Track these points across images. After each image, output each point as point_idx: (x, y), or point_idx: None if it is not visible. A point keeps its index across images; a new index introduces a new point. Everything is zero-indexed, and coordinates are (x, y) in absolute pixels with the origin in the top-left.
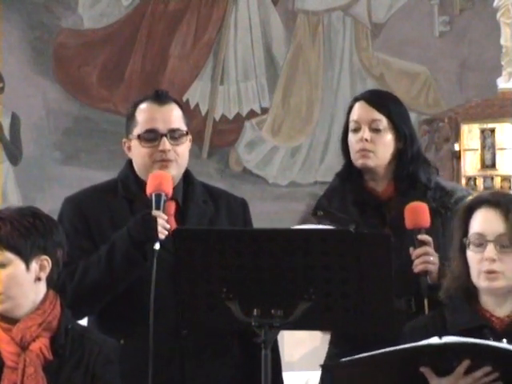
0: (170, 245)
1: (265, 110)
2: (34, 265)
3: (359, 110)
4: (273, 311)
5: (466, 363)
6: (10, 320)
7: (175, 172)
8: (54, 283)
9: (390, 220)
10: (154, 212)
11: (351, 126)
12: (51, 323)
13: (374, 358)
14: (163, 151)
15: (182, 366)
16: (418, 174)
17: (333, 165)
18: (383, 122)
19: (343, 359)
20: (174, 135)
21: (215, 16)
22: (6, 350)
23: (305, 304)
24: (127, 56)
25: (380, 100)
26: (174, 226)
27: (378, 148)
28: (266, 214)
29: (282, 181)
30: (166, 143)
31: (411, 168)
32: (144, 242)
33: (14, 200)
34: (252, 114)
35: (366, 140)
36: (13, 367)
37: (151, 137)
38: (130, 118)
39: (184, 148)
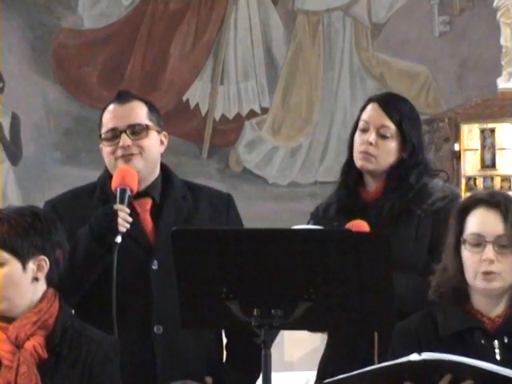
0: (142, 239)
1: (265, 110)
2: (31, 265)
3: (371, 112)
4: (273, 311)
5: (447, 378)
6: (7, 319)
7: (141, 165)
8: (54, 283)
9: (370, 221)
10: (116, 205)
11: (360, 124)
12: (47, 321)
13: (358, 376)
14: (123, 147)
15: (154, 363)
16: (408, 176)
17: (333, 165)
18: (391, 129)
19: (326, 380)
20: (134, 130)
21: (215, 16)
22: (2, 349)
23: (305, 304)
24: (127, 56)
25: (393, 107)
26: (149, 222)
27: (381, 154)
28: (266, 214)
29: (282, 181)
30: (125, 139)
31: (404, 172)
32: (104, 235)
33: (14, 200)
34: (252, 114)
35: (371, 144)
36: (9, 366)
37: (112, 135)
38: (99, 122)
39: (150, 141)
